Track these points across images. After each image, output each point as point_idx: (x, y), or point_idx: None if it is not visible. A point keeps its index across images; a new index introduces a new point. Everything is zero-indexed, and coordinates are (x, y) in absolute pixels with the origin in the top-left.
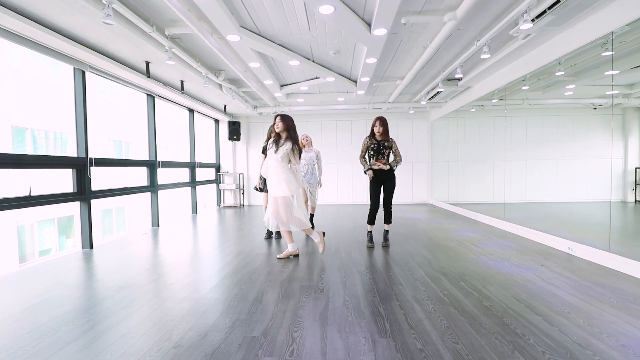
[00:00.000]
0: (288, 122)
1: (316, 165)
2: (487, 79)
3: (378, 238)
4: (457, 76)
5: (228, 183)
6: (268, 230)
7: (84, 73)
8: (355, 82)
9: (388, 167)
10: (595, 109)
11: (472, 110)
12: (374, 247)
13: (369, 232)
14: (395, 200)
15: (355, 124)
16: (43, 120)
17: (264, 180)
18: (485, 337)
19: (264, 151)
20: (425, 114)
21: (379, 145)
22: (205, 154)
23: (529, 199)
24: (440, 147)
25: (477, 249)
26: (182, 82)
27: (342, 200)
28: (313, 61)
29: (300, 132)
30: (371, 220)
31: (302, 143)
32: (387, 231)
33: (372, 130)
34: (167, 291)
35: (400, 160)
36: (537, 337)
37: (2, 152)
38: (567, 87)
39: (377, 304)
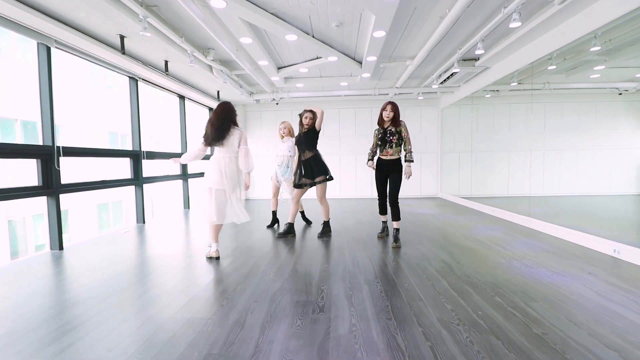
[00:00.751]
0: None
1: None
2: (508, 57)
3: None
4: (477, 52)
5: None
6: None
7: (49, 49)
8: (360, 63)
9: (410, 172)
10: (620, 94)
11: (486, 95)
12: (384, 237)
13: (383, 222)
14: (403, 193)
15: (360, 112)
16: (3, 106)
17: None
18: None
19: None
20: (434, 101)
21: (386, 134)
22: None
23: (548, 192)
24: (451, 137)
25: (503, 251)
26: (166, 62)
27: (345, 194)
28: (313, 36)
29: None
30: (381, 210)
31: (280, 133)
32: (397, 230)
33: (381, 116)
34: (129, 309)
35: (411, 147)
36: None
37: None
38: (595, 68)
39: (394, 331)
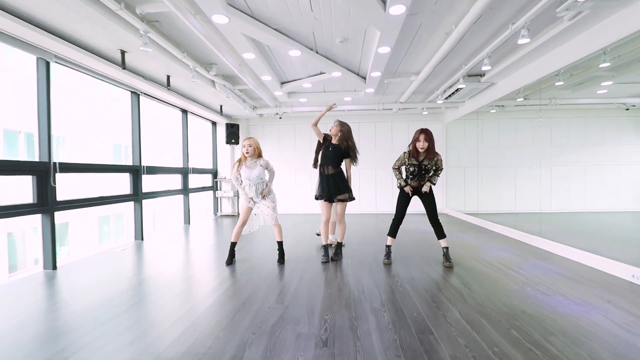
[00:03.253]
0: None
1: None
2: (515, 73)
3: (395, 254)
4: (483, 68)
5: (225, 190)
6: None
7: (48, 64)
8: (365, 78)
9: (428, 189)
10: (627, 109)
11: (492, 111)
12: (390, 264)
13: (387, 246)
14: (409, 210)
15: (363, 127)
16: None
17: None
18: None
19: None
20: (439, 116)
21: (421, 167)
22: (201, 159)
23: (555, 209)
24: (455, 152)
25: (516, 275)
26: (168, 77)
27: (347, 210)
28: (316, 52)
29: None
30: (392, 232)
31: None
32: (446, 248)
33: (414, 148)
34: (109, 346)
35: (440, 173)
36: None
37: None
38: (603, 83)
39: None
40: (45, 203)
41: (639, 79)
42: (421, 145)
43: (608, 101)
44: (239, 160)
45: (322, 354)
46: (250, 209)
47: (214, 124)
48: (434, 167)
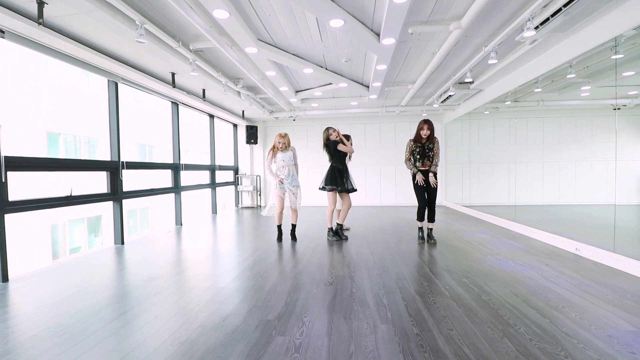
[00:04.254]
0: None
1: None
2: (498, 82)
3: (394, 233)
4: (467, 80)
5: (246, 185)
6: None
7: (116, 84)
8: (368, 87)
9: (435, 181)
10: (616, 109)
11: (485, 112)
12: (424, 242)
13: (419, 228)
14: (411, 202)
15: (369, 127)
16: (73, 125)
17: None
18: (479, 326)
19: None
20: (438, 117)
21: (424, 148)
22: (224, 157)
23: (547, 202)
24: (454, 149)
25: (484, 248)
26: (203, 91)
27: (354, 203)
28: (326, 69)
29: (315, 136)
30: (420, 217)
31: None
32: (431, 229)
33: (418, 134)
34: (192, 281)
35: (438, 160)
36: (527, 327)
37: (49, 156)
38: (583, 88)
39: (382, 296)
40: (116, 192)
41: (613, 84)
42: (424, 132)
43: (593, 103)
44: (272, 150)
45: (328, 289)
46: (282, 199)
47: (235, 126)
48: (433, 151)
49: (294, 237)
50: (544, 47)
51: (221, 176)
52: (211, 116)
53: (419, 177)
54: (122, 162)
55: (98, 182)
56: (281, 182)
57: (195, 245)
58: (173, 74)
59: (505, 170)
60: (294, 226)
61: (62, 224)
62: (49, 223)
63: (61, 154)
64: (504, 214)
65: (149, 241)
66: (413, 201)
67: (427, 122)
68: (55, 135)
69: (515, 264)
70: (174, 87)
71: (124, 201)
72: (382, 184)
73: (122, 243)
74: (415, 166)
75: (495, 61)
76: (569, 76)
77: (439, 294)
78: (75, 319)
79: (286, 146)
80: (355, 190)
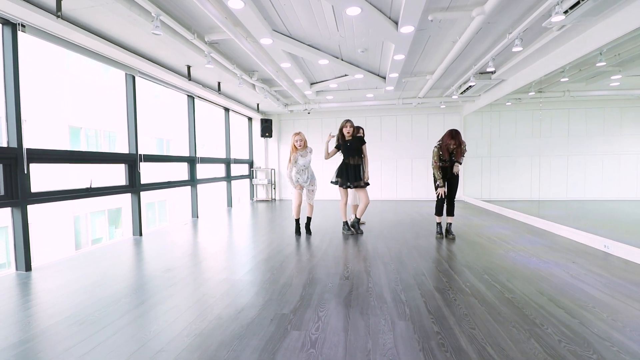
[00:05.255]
0: None
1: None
2: (522, 71)
3: (411, 227)
4: (488, 70)
5: (260, 178)
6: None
7: (134, 78)
8: (384, 78)
9: (458, 170)
10: None
11: (507, 103)
12: (442, 238)
13: (437, 223)
14: (426, 196)
15: (385, 120)
16: (94, 119)
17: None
18: (503, 325)
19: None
20: (457, 108)
21: (451, 156)
22: (239, 151)
23: (571, 197)
24: (473, 142)
25: (505, 244)
26: (219, 84)
27: (371, 198)
28: (342, 59)
29: (326, 129)
30: (439, 211)
31: (296, 145)
32: (450, 224)
33: (446, 146)
34: (208, 273)
35: (463, 157)
36: (555, 328)
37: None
38: (613, 77)
39: (399, 292)
40: (134, 185)
41: None
42: (451, 147)
43: (623, 93)
44: (292, 154)
45: (344, 283)
46: (300, 193)
47: (249, 119)
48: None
49: (308, 230)
50: (573, 33)
51: (236, 169)
52: (226, 109)
53: (441, 191)
54: (140, 155)
55: (117, 174)
56: (301, 188)
57: (211, 238)
58: (189, 67)
59: (527, 164)
60: (309, 219)
61: (85, 216)
62: (72, 215)
63: (82, 147)
64: (526, 209)
65: (165, 233)
66: (430, 195)
67: (454, 137)
68: (77, 129)
69: (539, 261)
70: (190, 80)
71: (142, 194)
72: (398, 177)
73: (140, 234)
74: (443, 175)
75: (520, 49)
76: (598, 64)
77: (459, 290)
78: (94, 308)
79: (304, 143)
80: (351, 187)
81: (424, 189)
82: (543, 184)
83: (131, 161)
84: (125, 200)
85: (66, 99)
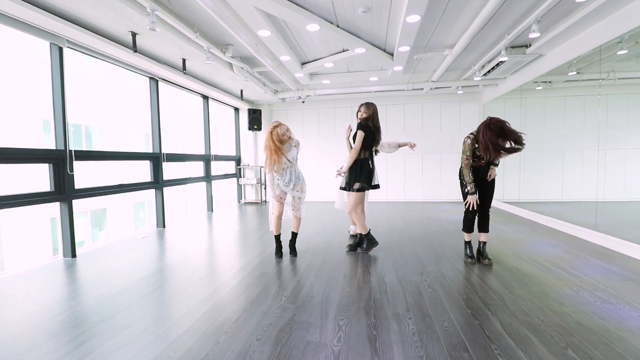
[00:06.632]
0: None
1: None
2: (568, 41)
3: (424, 245)
4: (531, 36)
5: (249, 177)
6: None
7: (61, 49)
8: (392, 54)
9: (495, 175)
10: None
11: (537, 88)
12: (475, 262)
13: (466, 242)
14: (440, 197)
15: (391, 110)
16: (69, 112)
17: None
18: None
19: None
20: (476, 95)
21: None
22: (225, 146)
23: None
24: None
25: (568, 276)
26: (183, 61)
27: (374, 198)
28: (337, 25)
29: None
30: (469, 227)
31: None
32: (484, 243)
33: (493, 146)
34: (119, 337)
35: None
36: None
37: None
38: None
39: None
40: (63, 191)
41: None
42: (502, 150)
43: None
44: (275, 152)
45: None
46: (282, 202)
47: (236, 110)
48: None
49: (293, 250)
50: None
51: (220, 167)
52: (205, 97)
53: (472, 199)
54: (71, 152)
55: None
56: (282, 195)
57: (166, 260)
58: (134, 34)
59: (559, 159)
60: (294, 235)
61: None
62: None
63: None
64: (562, 214)
65: (110, 252)
66: (441, 197)
67: (507, 135)
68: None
69: (635, 312)
70: (135, 51)
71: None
72: (406, 176)
73: (73, 256)
74: (474, 176)
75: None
76: None
77: None
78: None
79: (289, 137)
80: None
81: (435, 190)
82: (579, 183)
83: (58, 160)
84: (113, 201)
85: (42, 91)
